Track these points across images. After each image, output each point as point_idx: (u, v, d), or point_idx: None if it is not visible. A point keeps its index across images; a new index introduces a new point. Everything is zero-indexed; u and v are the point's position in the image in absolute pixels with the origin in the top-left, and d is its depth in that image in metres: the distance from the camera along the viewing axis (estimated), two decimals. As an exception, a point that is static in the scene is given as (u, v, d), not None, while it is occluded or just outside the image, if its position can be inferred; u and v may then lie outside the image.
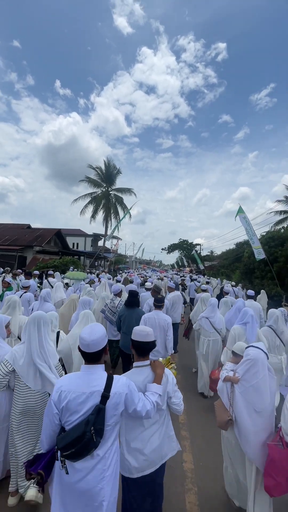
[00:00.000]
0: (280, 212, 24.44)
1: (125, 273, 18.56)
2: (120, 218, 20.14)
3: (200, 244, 50.37)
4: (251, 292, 6.53)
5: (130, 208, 19.36)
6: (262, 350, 2.07)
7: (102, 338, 1.49)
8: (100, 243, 31.72)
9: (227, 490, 2.33)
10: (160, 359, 2.38)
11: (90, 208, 27.45)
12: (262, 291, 9.64)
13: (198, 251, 43.04)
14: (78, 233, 36.96)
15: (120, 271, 22.59)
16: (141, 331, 1.79)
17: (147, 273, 22.96)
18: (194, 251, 40.93)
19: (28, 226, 24.03)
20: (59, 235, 22.93)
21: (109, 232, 22.88)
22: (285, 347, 3.76)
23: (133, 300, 4.10)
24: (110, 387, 1.42)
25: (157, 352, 3.58)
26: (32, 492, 1.91)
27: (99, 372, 1.47)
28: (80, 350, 1.49)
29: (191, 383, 4.67)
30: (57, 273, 9.55)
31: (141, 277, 15.35)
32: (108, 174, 28.44)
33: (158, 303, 3.90)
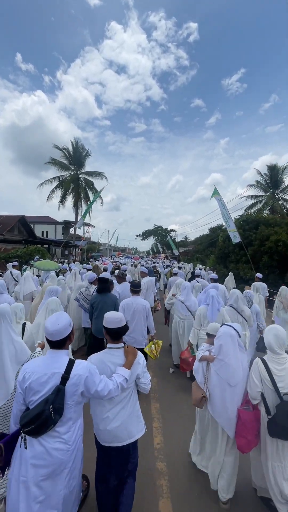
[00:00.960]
0: (252, 197, 24.73)
1: (98, 261, 17.65)
2: (91, 201, 18.60)
3: (174, 230, 50.23)
4: (214, 275, 6.78)
5: (100, 191, 17.87)
6: (233, 327, 2.15)
7: (65, 328, 1.60)
8: (72, 230, 29.97)
9: (191, 453, 2.50)
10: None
11: (58, 193, 25.62)
12: (230, 273, 9.80)
13: (173, 237, 42.91)
14: (48, 220, 34.67)
15: (92, 260, 21.44)
16: (114, 319, 1.84)
17: (120, 259, 22.19)
18: (169, 237, 40.72)
19: (-12, 213, 21.74)
20: (23, 222, 20.99)
21: (79, 218, 21.39)
22: (247, 323, 3.94)
23: (103, 286, 4.01)
24: (71, 369, 1.54)
25: (133, 338, 3.65)
26: None
27: (61, 356, 1.59)
28: (46, 338, 1.59)
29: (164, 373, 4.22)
30: (9, 265, 8.29)
31: (114, 263, 14.72)
32: (76, 156, 26.56)
33: (135, 288, 3.86)
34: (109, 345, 1.87)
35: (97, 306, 3.92)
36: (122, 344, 1.88)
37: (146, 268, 7.23)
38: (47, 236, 32.00)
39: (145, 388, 1.89)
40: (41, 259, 12.95)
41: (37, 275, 8.69)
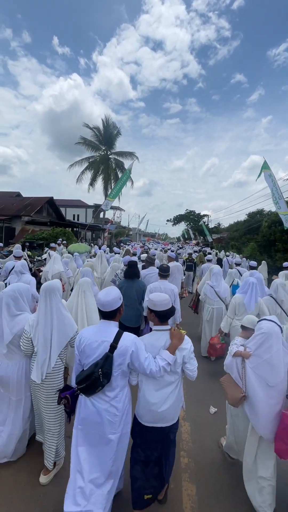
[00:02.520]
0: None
1: (127, 245, 16.76)
2: (120, 180, 17.04)
3: (208, 215, 47.08)
4: (253, 263, 6.52)
5: (130, 168, 16.14)
6: (276, 323, 1.93)
7: (115, 300, 1.71)
8: (102, 214, 29.33)
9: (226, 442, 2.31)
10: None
11: (88, 175, 24.77)
12: (263, 262, 9.35)
13: (206, 223, 40.32)
14: (79, 204, 34.53)
15: (122, 244, 20.64)
16: (163, 301, 1.80)
17: (150, 245, 21.11)
18: (202, 222, 38.32)
19: (18, 194, 21.78)
20: (51, 204, 20.61)
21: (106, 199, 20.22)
22: (287, 316, 3.62)
23: (132, 271, 3.92)
24: (119, 340, 1.66)
25: None
26: (43, 480, 2.09)
27: (112, 327, 1.73)
28: (98, 308, 1.75)
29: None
30: (18, 245, 7.70)
31: (142, 247, 13.74)
32: (107, 136, 25.26)
33: (164, 273, 3.83)
34: (155, 327, 1.85)
35: (124, 292, 3.66)
36: (168, 326, 1.85)
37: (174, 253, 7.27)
38: (78, 219, 31.91)
39: (191, 375, 1.83)
40: (65, 241, 12.31)
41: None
